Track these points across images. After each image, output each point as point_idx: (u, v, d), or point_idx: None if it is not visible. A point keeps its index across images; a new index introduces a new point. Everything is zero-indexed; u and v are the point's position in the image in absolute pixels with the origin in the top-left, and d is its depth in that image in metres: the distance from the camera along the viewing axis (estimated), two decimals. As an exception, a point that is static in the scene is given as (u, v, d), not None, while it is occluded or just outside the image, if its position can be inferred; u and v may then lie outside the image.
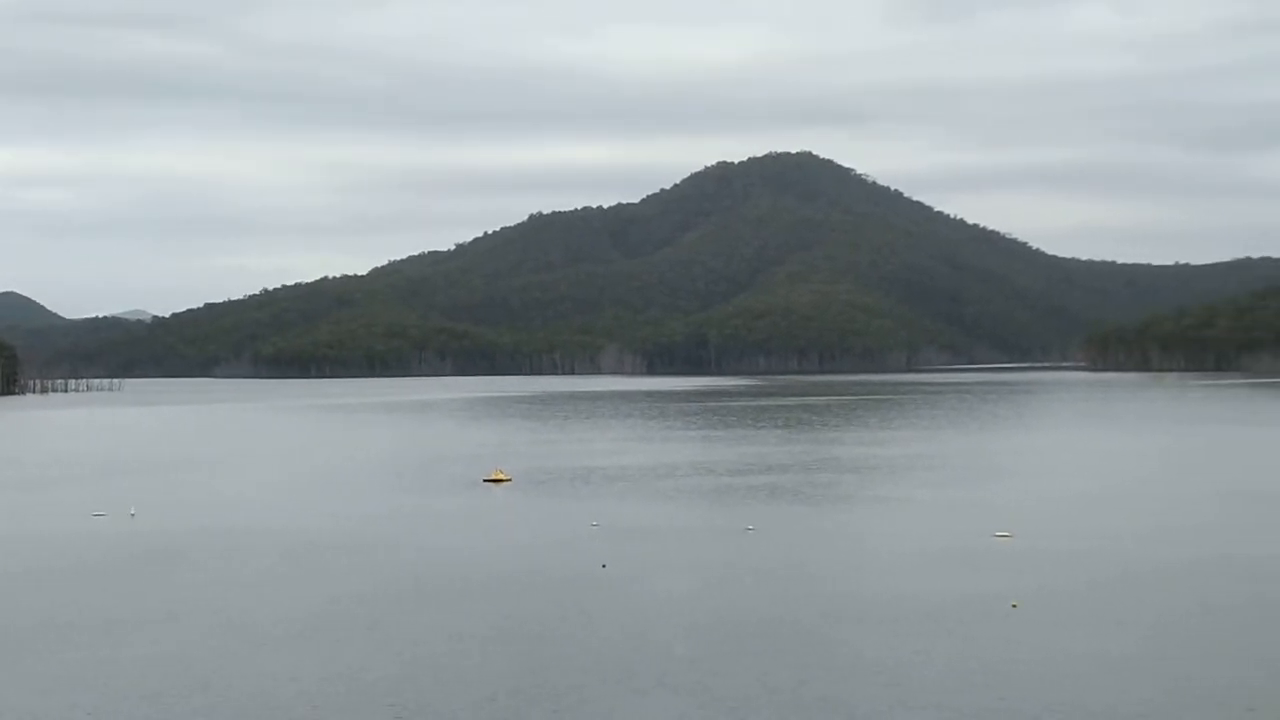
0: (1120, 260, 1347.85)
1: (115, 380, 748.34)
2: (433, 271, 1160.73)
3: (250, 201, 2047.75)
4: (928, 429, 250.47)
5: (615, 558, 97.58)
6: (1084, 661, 64.87)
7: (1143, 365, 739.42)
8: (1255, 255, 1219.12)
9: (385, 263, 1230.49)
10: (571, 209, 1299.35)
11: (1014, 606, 77.27)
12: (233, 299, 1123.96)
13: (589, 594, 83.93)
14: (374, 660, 67.17)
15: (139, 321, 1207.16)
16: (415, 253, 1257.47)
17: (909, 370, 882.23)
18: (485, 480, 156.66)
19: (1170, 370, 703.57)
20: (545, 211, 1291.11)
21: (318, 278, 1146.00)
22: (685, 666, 65.11)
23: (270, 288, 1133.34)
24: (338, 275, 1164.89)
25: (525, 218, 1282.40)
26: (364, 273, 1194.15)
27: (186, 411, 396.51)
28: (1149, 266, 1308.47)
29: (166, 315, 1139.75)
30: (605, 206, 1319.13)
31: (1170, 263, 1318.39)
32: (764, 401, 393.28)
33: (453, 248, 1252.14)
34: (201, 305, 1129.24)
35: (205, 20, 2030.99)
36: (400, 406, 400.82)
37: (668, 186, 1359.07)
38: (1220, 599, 79.51)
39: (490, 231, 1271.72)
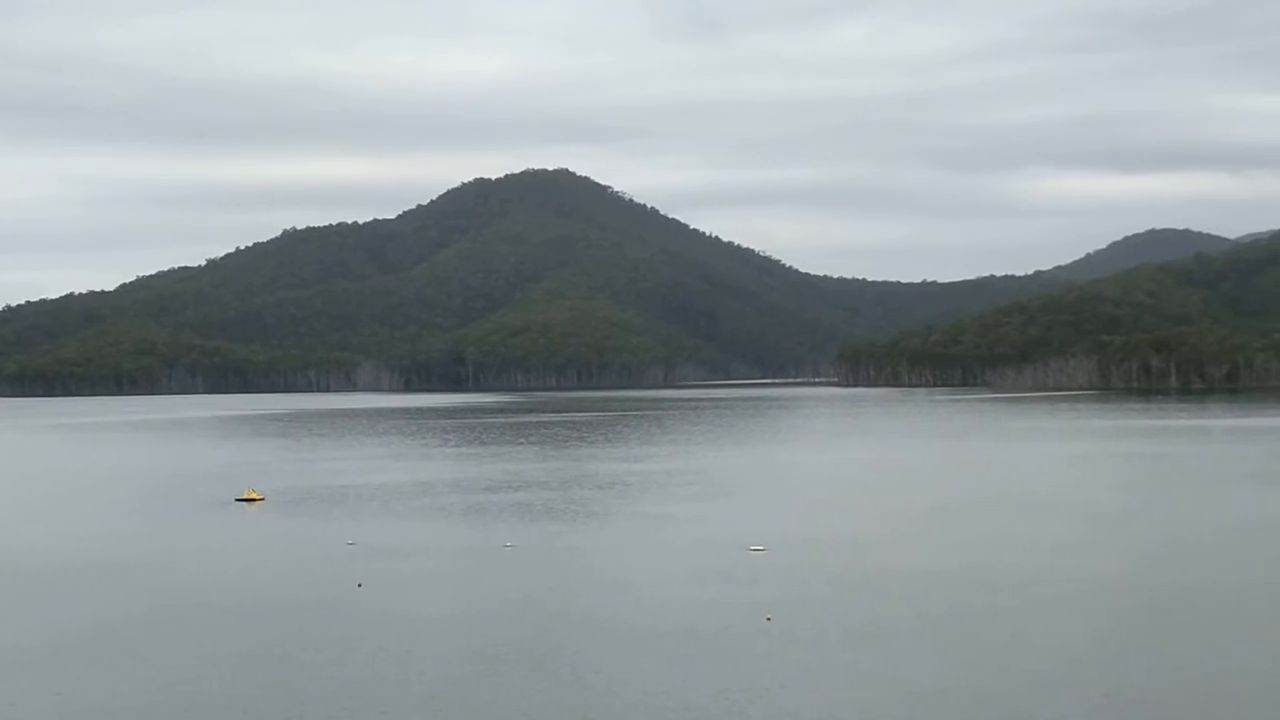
0: (870, 278, 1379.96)
1: None
2: (183, 288, 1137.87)
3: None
4: (686, 445, 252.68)
5: (371, 577, 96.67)
6: (835, 675, 65.98)
7: (893, 380, 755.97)
8: (999, 273, 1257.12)
9: (134, 279, 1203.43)
10: (327, 224, 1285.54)
11: (768, 620, 78.31)
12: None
13: (344, 614, 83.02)
14: (122, 687, 65.57)
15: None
16: (165, 268, 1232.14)
17: (666, 386, 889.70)
18: (237, 500, 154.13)
19: (919, 385, 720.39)
20: (300, 227, 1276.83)
21: (63, 294, 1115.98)
22: (444, 688, 64.72)
23: (13, 304, 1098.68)
24: (84, 291, 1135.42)
25: (279, 233, 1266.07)
26: (112, 289, 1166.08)
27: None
28: (898, 284, 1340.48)
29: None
30: (361, 222, 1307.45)
31: (918, 280, 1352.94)
32: (522, 418, 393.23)
33: (204, 263, 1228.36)
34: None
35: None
36: (149, 425, 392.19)
37: (425, 203, 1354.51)
38: (963, 607, 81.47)
39: (243, 247, 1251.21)
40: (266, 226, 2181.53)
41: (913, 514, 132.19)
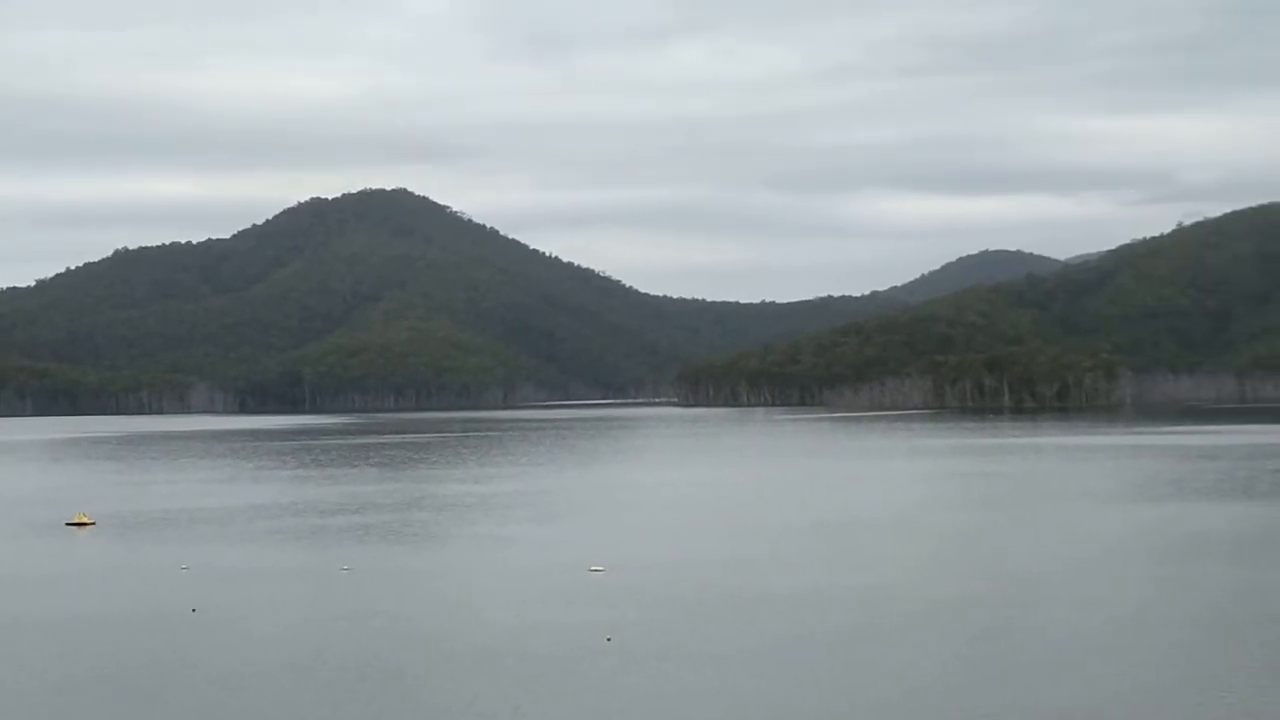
0: (710, 298, 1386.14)
1: None
2: (11, 308, 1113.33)
3: None
4: (526, 466, 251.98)
5: (206, 601, 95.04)
6: (675, 697, 65.87)
7: (732, 400, 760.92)
8: (836, 294, 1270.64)
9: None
10: (160, 244, 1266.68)
11: (608, 640, 78.08)
12: None
13: (178, 639, 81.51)
14: (-55, 718, 63.74)
15: None
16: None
17: (506, 406, 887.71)
18: (68, 524, 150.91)
19: (758, 405, 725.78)
20: (132, 247, 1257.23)
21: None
22: (280, 713, 63.69)
23: None
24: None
25: (111, 253, 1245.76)
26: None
27: None
28: (737, 304, 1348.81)
29: None
30: (195, 242, 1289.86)
31: (757, 301, 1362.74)
32: (360, 440, 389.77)
33: (33, 283, 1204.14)
34: None
35: None
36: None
37: (260, 222, 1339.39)
38: (804, 627, 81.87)
39: (74, 267, 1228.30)
40: (98, 246, 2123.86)
41: (755, 534, 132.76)
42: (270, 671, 72.35)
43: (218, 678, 70.93)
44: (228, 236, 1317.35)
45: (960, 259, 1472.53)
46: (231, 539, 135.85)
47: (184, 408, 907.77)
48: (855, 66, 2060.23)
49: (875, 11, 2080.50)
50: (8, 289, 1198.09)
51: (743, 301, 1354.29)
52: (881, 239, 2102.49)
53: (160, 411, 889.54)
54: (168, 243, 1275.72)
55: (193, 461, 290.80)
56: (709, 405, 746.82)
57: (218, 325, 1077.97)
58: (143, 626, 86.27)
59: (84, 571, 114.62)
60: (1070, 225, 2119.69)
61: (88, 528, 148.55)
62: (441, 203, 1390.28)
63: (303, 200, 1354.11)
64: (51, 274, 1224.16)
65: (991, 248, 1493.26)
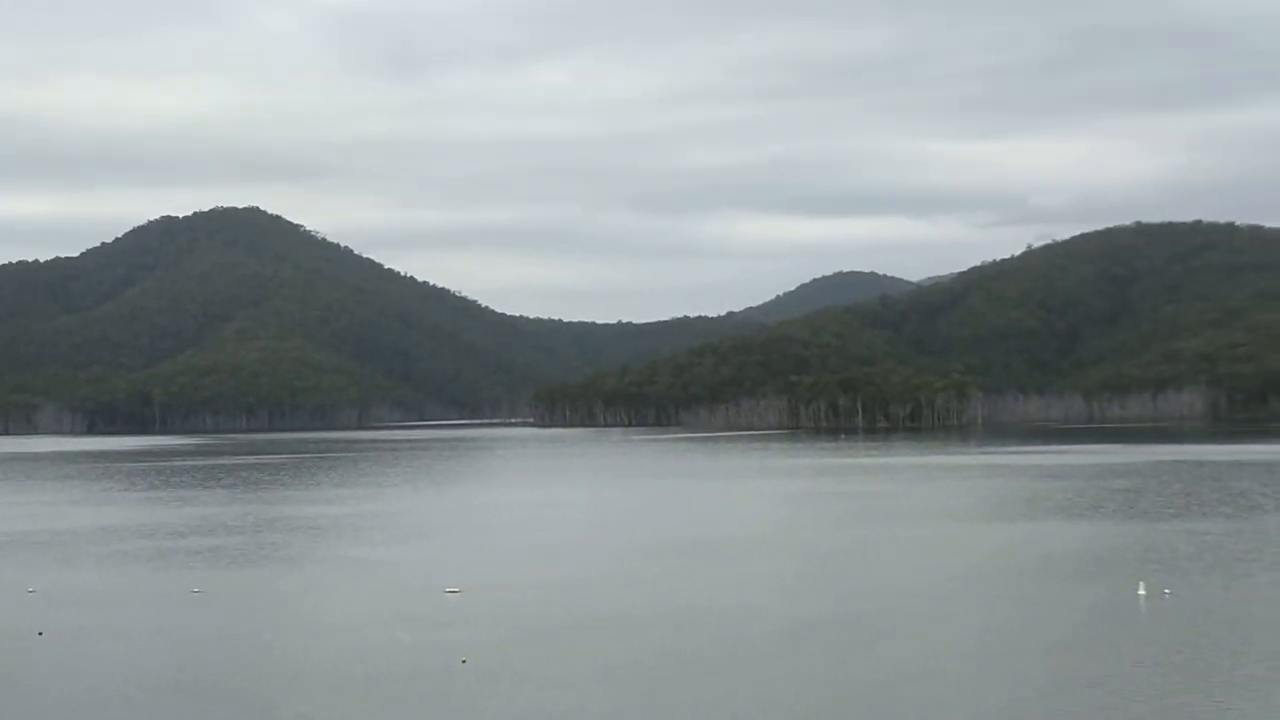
0: (566, 319, 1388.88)
1: None
2: None
3: None
4: (381, 487, 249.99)
5: (53, 625, 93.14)
6: (529, 718, 65.41)
7: (589, 420, 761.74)
8: (692, 314, 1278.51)
9: None
10: (6, 262, 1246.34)
11: (463, 662, 77.47)
12: None
13: (23, 663, 79.79)
14: None
15: None
16: None
17: (361, 427, 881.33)
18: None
19: (614, 425, 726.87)
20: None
21: None
22: (127, 739, 62.45)
23: None
24: None
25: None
26: None
27: None
28: (594, 324, 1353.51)
29: None
30: (43, 260, 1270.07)
31: (614, 321, 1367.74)
32: (212, 461, 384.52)
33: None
34: None
35: None
36: None
37: (109, 240, 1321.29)
38: (664, 648, 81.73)
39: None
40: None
41: (612, 555, 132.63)
42: (120, 696, 70.95)
43: (65, 702, 69.47)
44: (76, 255, 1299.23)
45: (815, 280, 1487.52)
46: (80, 561, 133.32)
47: (31, 428, 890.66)
48: (713, 89, 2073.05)
49: (734, 35, 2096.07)
50: None
51: (599, 322, 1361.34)
52: (738, 260, 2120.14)
53: (6, 432, 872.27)
54: (14, 261, 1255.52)
55: (40, 483, 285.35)
56: (565, 425, 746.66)
57: (66, 345, 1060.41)
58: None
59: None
60: (923, 247, 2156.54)
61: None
62: (295, 221, 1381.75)
63: (153, 218, 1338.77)
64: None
65: (846, 269, 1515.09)
